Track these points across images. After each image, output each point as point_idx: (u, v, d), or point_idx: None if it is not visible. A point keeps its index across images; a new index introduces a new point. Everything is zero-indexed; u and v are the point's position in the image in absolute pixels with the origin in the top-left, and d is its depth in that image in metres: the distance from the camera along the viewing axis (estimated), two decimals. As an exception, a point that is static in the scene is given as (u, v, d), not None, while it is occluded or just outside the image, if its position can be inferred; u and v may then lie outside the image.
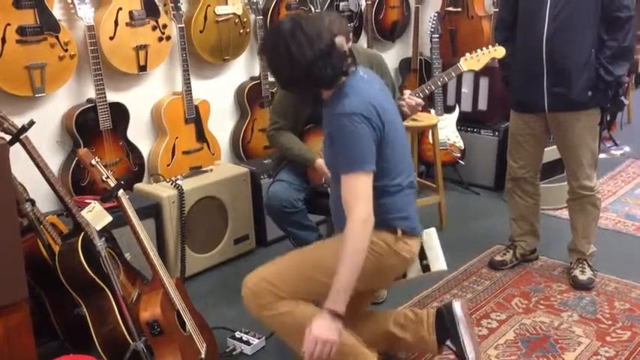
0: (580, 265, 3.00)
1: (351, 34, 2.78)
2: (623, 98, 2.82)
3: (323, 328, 1.85)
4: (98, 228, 2.06)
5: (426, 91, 2.82)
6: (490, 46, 2.80)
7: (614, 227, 3.60)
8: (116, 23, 2.94)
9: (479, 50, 2.79)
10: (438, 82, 2.88)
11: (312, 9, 3.81)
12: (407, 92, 2.77)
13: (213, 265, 3.23)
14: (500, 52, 2.78)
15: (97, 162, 2.08)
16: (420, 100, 2.75)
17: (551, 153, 3.43)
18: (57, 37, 2.74)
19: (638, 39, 5.29)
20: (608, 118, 2.98)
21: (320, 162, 2.76)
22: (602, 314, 2.74)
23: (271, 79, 3.62)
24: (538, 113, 2.89)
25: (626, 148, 4.81)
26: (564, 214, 3.35)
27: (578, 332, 2.62)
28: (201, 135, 3.37)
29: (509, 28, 2.93)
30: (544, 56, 2.75)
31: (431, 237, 2.25)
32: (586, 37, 2.71)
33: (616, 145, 4.86)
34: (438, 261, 2.25)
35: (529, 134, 2.98)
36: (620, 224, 3.64)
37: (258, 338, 2.58)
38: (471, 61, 2.82)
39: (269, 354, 2.56)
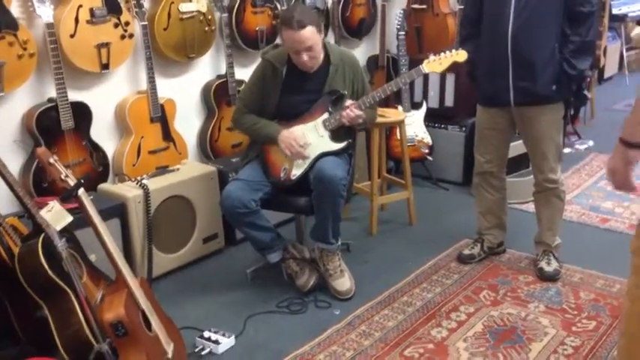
0: (546, 256, 3.04)
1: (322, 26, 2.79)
2: (586, 92, 2.87)
3: (611, 157, 1.64)
4: (58, 228, 2.02)
5: (381, 95, 2.83)
6: (453, 50, 2.87)
7: (579, 219, 3.66)
8: (76, 21, 2.88)
9: (442, 53, 2.85)
10: (400, 82, 2.91)
11: (279, 6, 3.80)
12: (349, 102, 2.78)
13: (182, 264, 3.20)
14: (462, 56, 2.85)
15: (56, 160, 2.04)
16: (360, 113, 2.77)
17: (517, 148, 3.47)
18: (15, 36, 2.68)
19: (599, 35, 5.44)
20: (572, 112, 3.03)
21: (284, 132, 2.79)
22: (567, 305, 2.78)
23: (238, 76, 3.60)
24: (504, 107, 2.91)
25: (590, 143, 4.89)
26: (530, 207, 3.39)
27: (544, 323, 2.65)
28: (167, 134, 3.33)
29: (474, 25, 2.96)
30: (509, 51, 2.77)
31: None
32: (550, 32, 2.75)
33: (580, 138, 4.94)
34: None
35: (495, 128, 3.00)
36: (584, 216, 3.70)
37: (228, 337, 2.55)
38: (433, 64, 2.86)
39: (238, 353, 2.53)
